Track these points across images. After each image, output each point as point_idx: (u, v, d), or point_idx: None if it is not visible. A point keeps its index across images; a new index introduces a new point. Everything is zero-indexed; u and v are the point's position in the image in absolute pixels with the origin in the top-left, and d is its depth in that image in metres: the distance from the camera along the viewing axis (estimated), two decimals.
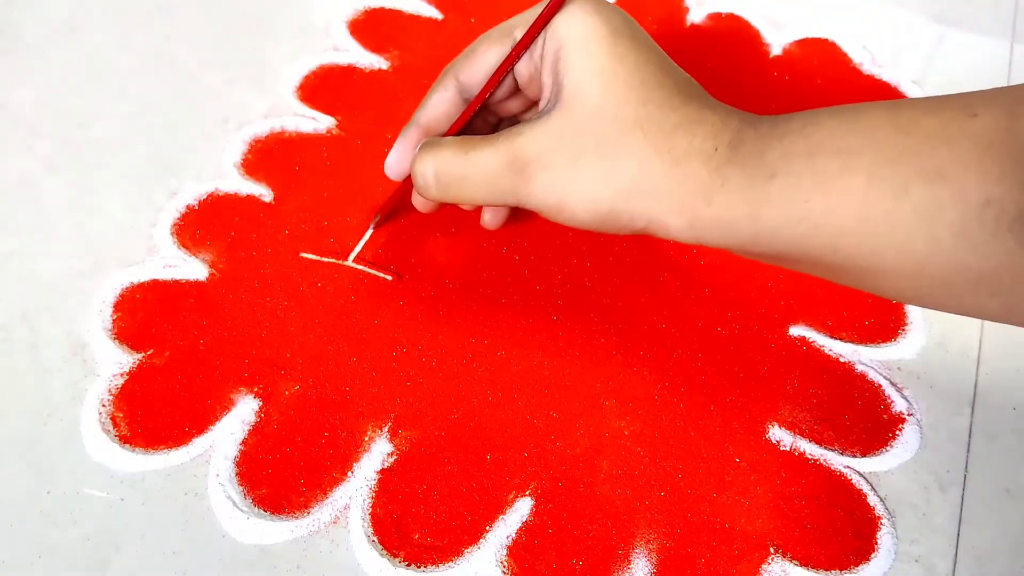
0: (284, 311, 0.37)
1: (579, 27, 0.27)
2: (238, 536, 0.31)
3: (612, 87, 0.26)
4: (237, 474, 0.32)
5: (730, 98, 0.47)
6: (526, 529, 0.32)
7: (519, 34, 0.30)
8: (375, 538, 0.31)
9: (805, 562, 0.32)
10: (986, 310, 0.24)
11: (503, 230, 0.41)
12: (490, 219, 0.36)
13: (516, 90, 0.33)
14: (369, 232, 0.39)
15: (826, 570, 0.31)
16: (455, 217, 0.41)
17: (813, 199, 0.24)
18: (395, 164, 0.33)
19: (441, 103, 0.33)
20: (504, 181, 0.28)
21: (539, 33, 0.29)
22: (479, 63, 0.32)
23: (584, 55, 0.27)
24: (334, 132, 0.45)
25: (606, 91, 0.26)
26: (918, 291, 0.24)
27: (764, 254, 0.26)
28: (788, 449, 0.35)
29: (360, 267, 0.39)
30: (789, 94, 0.48)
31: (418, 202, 0.35)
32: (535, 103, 0.33)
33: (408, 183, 0.34)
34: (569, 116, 0.27)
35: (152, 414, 0.34)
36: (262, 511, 0.32)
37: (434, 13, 0.52)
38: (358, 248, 0.40)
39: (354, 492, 0.32)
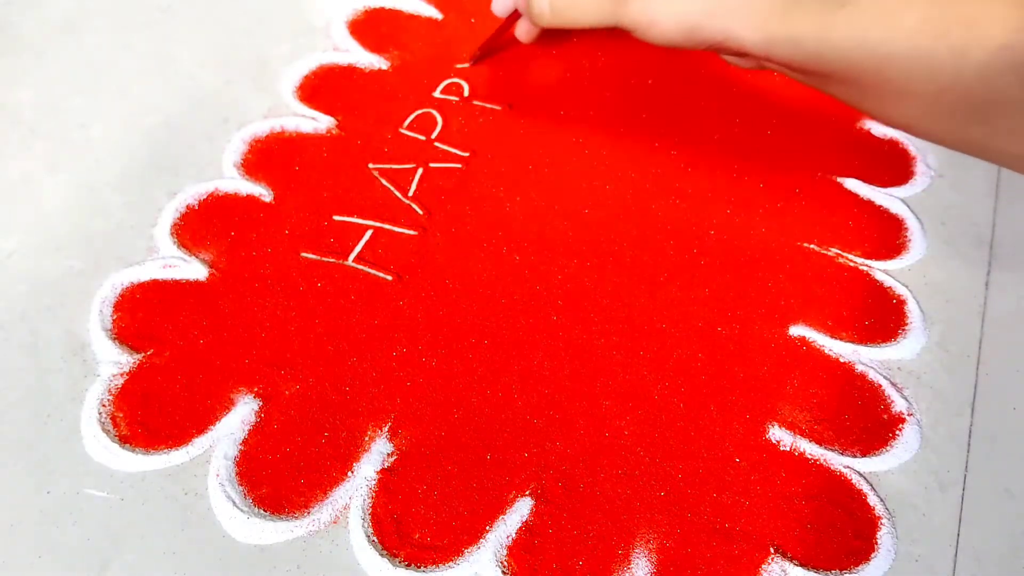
0: (284, 311, 0.37)
1: None
2: (238, 536, 0.31)
3: None
4: (237, 474, 0.32)
5: (728, 98, 0.47)
6: (526, 529, 0.32)
7: None
8: (375, 538, 0.31)
9: (805, 562, 0.32)
10: (970, 139, 0.31)
11: (503, 229, 0.41)
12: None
13: None
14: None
15: (826, 570, 0.31)
16: (458, 219, 0.41)
17: (874, 28, 0.29)
18: (503, 2, 0.43)
19: None
20: (607, 3, 0.34)
21: None
22: None
23: None
24: (334, 132, 0.45)
25: None
26: (926, 116, 0.30)
27: (818, 72, 0.32)
28: (788, 449, 0.35)
29: (360, 267, 0.39)
30: (789, 94, 0.48)
31: (521, 32, 0.43)
32: None
33: (508, 21, 0.43)
34: None
35: (152, 414, 0.34)
36: (262, 511, 0.32)
37: (434, 13, 0.52)
38: (358, 248, 0.40)
39: (354, 492, 0.32)
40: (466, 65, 0.47)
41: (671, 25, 0.33)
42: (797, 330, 0.38)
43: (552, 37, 0.48)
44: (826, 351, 0.38)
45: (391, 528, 0.32)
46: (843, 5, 0.30)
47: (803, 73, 0.32)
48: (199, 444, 0.33)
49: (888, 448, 0.35)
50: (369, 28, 0.50)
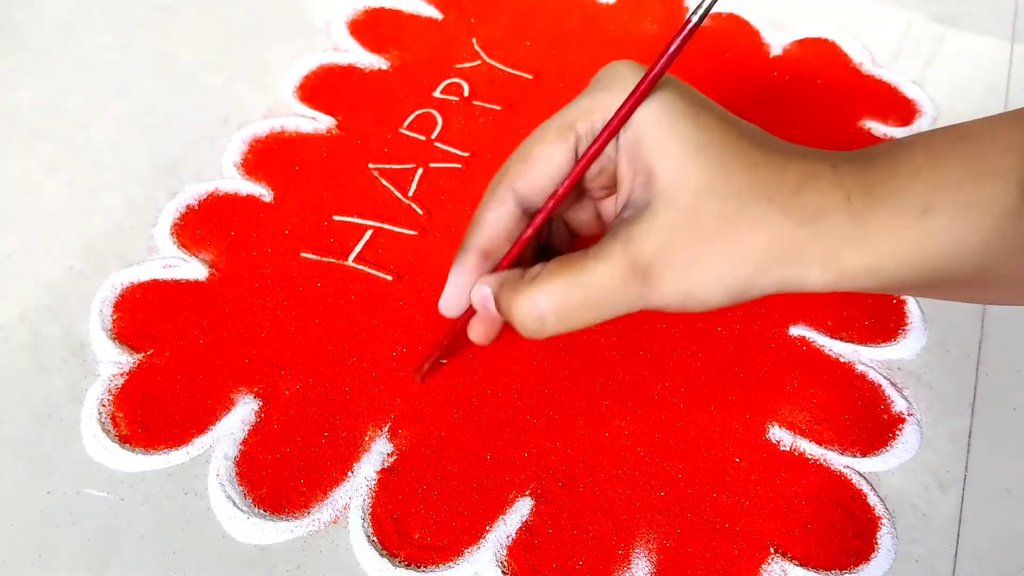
0: (284, 311, 0.37)
1: (658, 108, 0.25)
2: (238, 536, 0.31)
3: (713, 162, 0.25)
4: (237, 474, 0.32)
5: (730, 99, 0.47)
6: (526, 529, 0.32)
7: (581, 127, 0.26)
8: (375, 538, 0.31)
9: (805, 562, 0.32)
10: None
11: None
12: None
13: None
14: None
15: (826, 570, 0.31)
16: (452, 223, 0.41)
17: (970, 227, 0.23)
18: (453, 299, 0.29)
19: (499, 220, 0.28)
20: (628, 292, 0.25)
21: (626, 121, 0.25)
22: (539, 168, 0.27)
23: (672, 135, 0.25)
24: (334, 132, 0.45)
25: (708, 168, 0.24)
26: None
27: (906, 286, 0.26)
28: (788, 449, 0.35)
29: (360, 267, 0.39)
30: (789, 94, 0.48)
31: (477, 334, 0.31)
32: (579, 197, 0.30)
33: (462, 319, 0.30)
34: (677, 203, 0.25)
35: (152, 414, 0.34)
36: (262, 511, 0.32)
37: (434, 13, 0.52)
38: (358, 248, 0.40)
39: (354, 492, 0.32)
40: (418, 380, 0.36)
41: (716, 296, 0.25)
42: (797, 330, 0.38)
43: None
44: (826, 351, 0.38)
45: (391, 528, 0.32)
46: (927, 211, 0.23)
47: (883, 291, 0.27)
48: (199, 444, 0.33)
49: (888, 448, 0.35)
50: (369, 28, 0.50)
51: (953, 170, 0.24)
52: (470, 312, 0.30)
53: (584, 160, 0.26)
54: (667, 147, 0.25)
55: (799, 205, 0.24)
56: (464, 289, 0.29)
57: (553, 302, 0.26)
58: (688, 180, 0.24)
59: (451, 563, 0.31)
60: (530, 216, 0.28)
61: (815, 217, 0.24)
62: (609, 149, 0.26)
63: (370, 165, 0.43)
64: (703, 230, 0.24)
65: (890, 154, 0.25)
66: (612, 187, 0.28)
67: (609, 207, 0.29)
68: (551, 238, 0.31)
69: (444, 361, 0.36)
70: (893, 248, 0.24)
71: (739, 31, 0.52)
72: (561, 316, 0.26)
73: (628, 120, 0.25)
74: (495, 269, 0.28)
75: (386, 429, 0.34)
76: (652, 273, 0.25)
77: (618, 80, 0.26)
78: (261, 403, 0.34)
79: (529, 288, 0.26)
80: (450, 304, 0.29)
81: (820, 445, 0.35)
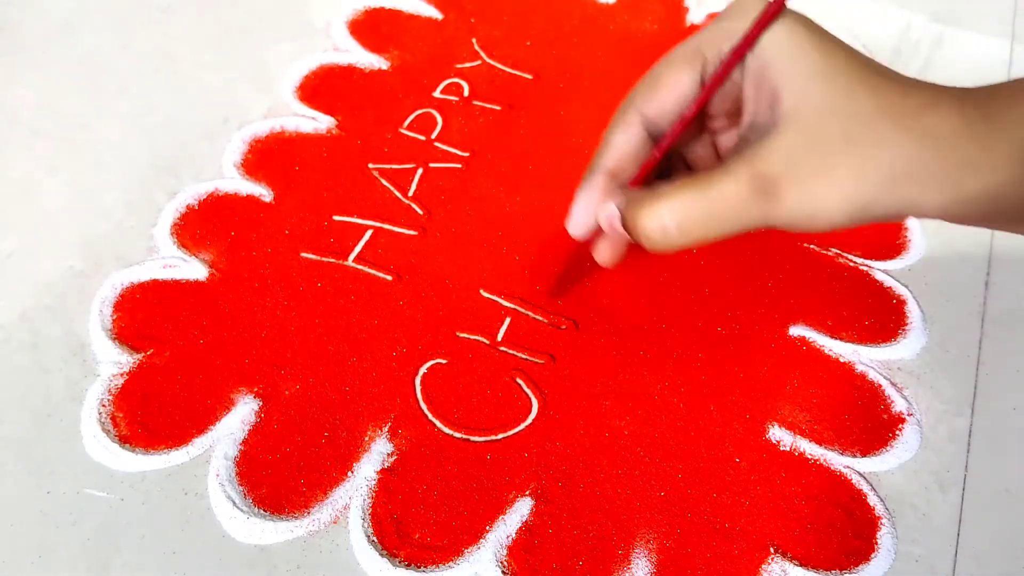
0: (284, 311, 0.37)
1: (784, 34, 0.26)
2: (238, 536, 0.31)
3: (837, 84, 0.26)
4: (237, 474, 0.32)
5: None
6: (526, 529, 0.32)
7: (708, 52, 0.28)
8: (375, 538, 0.31)
9: (805, 562, 0.32)
10: None
11: (502, 229, 0.41)
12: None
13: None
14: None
15: (826, 570, 0.31)
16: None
17: None
18: (581, 220, 0.30)
19: (626, 143, 0.29)
20: (751, 207, 0.26)
21: (753, 44, 0.26)
22: (668, 92, 0.28)
23: (798, 59, 0.26)
24: (334, 132, 0.45)
25: (833, 89, 0.26)
26: None
27: (1016, 218, 0.26)
28: (788, 449, 0.35)
29: (360, 267, 0.39)
30: None
31: (604, 256, 0.31)
32: (699, 131, 0.31)
33: (586, 242, 0.31)
34: (802, 123, 0.26)
35: (152, 414, 0.34)
36: (262, 511, 0.32)
37: (434, 13, 0.52)
38: (358, 248, 0.40)
39: (354, 492, 0.32)
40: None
41: (839, 212, 0.26)
42: (797, 330, 0.38)
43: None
44: (826, 351, 0.38)
45: (391, 528, 0.32)
46: None
47: (985, 222, 0.27)
48: (199, 444, 0.33)
49: (888, 448, 0.35)
50: (369, 28, 0.50)
51: None
52: (596, 234, 0.30)
53: (713, 81, 0.27)
54: (792, 70, 0.26)
55: (922, 127, 0.25)
56: (591, 209, 0.30)
57: (677, 215, 0.26)
58: (813, 101, 0.25)
59: (451, 563, 0.31)
60: (655, 140, 0.29)
61: (937, 139, 0.25)
62: (735, 75, 0.27)
63: (370, 165, 0.43)
64: (827, 148, 0.25)
65: (1011, 87, 0.26)
66: (735, 115, 0.29)
67: (727, 142, 0.30)
68: (670, 173, 0.31)
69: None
70: (1010, 176, 0.24)
71: None
72: (683, 229, 0.26)
73: (754, 45, 0.26)
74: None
75: (386, 429, 0.34)
76: (777, 189, 0.25)
77: (744, 11, 0.27)
78: (261, 403, 0.34)
79: (655, 202, 0.27)
80: (578, 224, 0.30)
81: (820, 445, 0.35)
